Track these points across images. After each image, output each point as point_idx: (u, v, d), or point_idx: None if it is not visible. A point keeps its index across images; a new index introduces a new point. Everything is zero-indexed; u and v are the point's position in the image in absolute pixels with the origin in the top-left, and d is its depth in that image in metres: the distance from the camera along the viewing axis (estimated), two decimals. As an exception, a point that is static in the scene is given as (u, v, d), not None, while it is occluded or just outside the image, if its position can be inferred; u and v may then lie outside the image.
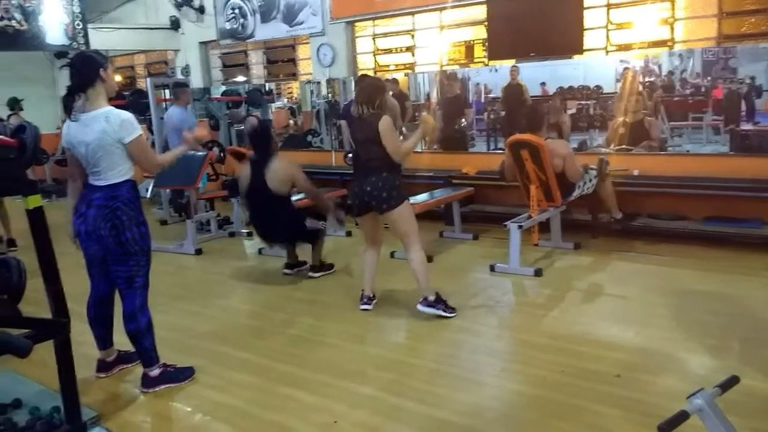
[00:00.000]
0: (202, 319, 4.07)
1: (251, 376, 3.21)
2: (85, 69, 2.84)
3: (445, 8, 7.28)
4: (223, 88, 9.74)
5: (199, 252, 5.87)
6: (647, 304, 3.97)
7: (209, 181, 7.08)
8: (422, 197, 5.58)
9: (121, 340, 3.20)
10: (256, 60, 9.78)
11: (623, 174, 5.57)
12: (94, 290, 3.13)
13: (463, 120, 7.38)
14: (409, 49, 7.97)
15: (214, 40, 9.56)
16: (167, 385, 3.05)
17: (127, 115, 2.84)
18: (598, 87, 7.21)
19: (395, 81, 8.29)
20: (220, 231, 6.61)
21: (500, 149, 7.52)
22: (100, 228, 2.84)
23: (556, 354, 3.28)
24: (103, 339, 3.21)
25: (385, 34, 8.16)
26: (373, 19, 7.95)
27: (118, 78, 11.90)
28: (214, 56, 10.14)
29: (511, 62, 7.03)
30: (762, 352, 3.17)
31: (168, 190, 7.37)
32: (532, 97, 7.34)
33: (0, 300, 2.72)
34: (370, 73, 7.95)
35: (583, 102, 7.31)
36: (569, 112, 7.12)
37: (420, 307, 3.81)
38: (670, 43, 6.16)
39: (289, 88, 10.13)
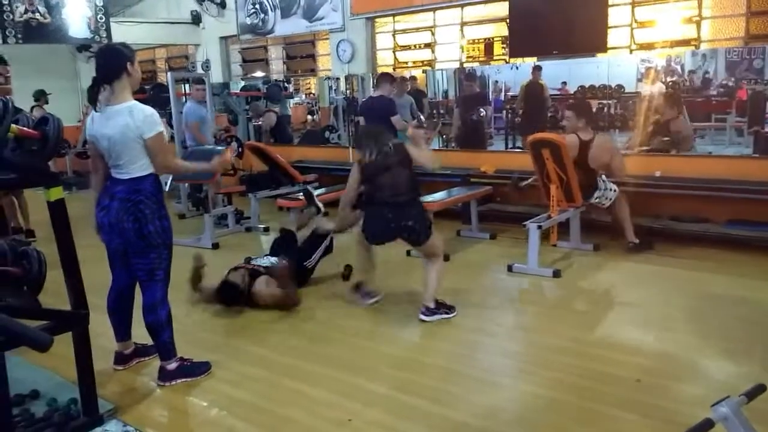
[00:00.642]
0: (217, 313, 4.07)
1: (266, 371, 3.21)
2: (112, 61, 2.86)
3: (466, 4, 7.22)
4: (243, 83, 9.77)
5: (216, 246, 5.89)
6: (668, 307, 3.90)
7: (226, 176, 7.12)
8: (439, 195, 5.55)
9: (139, 333, 3.22)
10: (276, 55, 9.80)
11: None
12: (115, 282, 3.15)
13: (482, 111, 7.27)
14: (429, 45, 7.92)
15: (235, 35, 9.59)
16: (184, 380, 3.06)
17: (150, 111, 2.85)
18: (620, 86, 7.11)
19: (413, 78, 8.25)
20: (237, 226, 6.63)
21: (518, 148, 7.47)
22: (122, 221, 2.85)
23: (574, 357, 3.23)
24: (122, 331, 3.23)
25: (405, 31, 8.12)
26: (394, 15, 7.91)
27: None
28: (234, 51, 10.17)
29: (532, 60, 6.96)
30: (787, 359, 3.10)
31: (186, 185, 7.42)
32: (551, 96, 7.27)
33: (20, 291, 2.75)
34: (389, 70, 7.93)
35: (603, 101, 7.22)
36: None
37: (423, 317, 3.76)
38: (695, 43, 6.05)
39: (307, 83, 10.14)
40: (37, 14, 8.80)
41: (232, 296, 3.89)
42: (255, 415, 2.78)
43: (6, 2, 8.40)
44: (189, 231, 6.47)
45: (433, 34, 7.81)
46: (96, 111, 2.89)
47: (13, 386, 2.52)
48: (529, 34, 6.47)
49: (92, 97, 2.90)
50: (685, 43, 6.09)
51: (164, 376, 3.05)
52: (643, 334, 3.50)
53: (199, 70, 9.77)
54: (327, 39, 8.60)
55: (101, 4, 9.17)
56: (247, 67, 10.17)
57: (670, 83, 6.36)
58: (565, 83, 7.51)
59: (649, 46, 6.32)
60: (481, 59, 7.93)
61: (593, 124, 5.44)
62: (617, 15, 6.18)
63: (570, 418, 2.66)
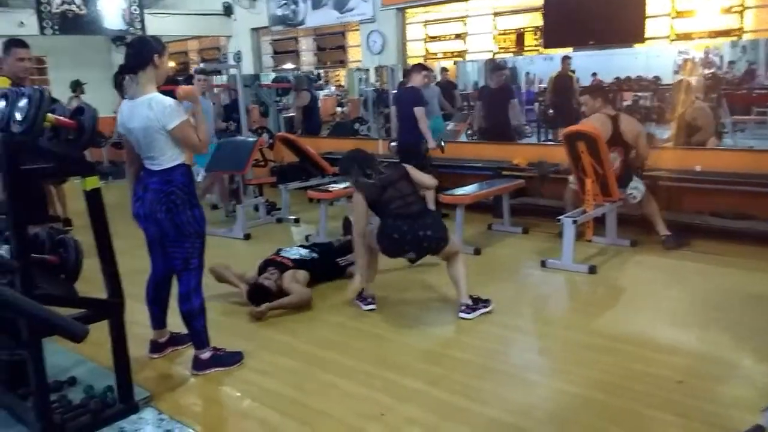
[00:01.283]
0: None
1: (297, 362, 3.21)
2: (140, 51, 2.87)
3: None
4: (273, 75, 9.80)
5: (247, 237, 5.93)
6: (709, 306, 3.79)
7: (257, 167, 7.13)
8: (471, 189, 5.47)
9: (174, 322, 3.25)
10: (306, 47, 9.81)
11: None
12: (153, 271, 3.19)
13: (512, 102, 7.11)
14: (460, 36, 7.83)
15: (266, 27, 9.62)
16: (217, 369, 3.08)
17: (169, 101, 2.83)
18: (657, 78, 6.92)
19: (444, 70, 8.17)
20: (268, 217, 6.66)
21: (550, 141, 7.34)
22: (156, 211, 2.87)
23: (611, 355, 3.16)
24: (158, 319, 3.27)
25: (437, 21, 8.03)
26: (425, 5, 7.83)
27: (171, 64, 12.17)
28: (265, 43, 10.21)
29: (567, 50, 6.81)
30: (836, 363, 2.98)
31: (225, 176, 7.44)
32: (584, 87, 7.11)
33: (58, 280, 2.79)
34: (420, 61, 7.85)
35: (639, 94, 7.05)
36: (625, 103, 6.86)
37: (465, 315, 3.68)
38: (737, 33, 5.85)
39: (336, 75, 10.13)
40: (74, 6, 8.96)
41: (264, 299, 3.88)
42: (287, 406, 2.78)
43: (44, -6, 8.57)
44: (221, 221, 6.53)
45: (464, 24, 7.72)
46: (125, 98, 2.91)
47: (51, 372, 2.57)
48: (564, 23, 6.33)
49: (117, 83, 2.92)
50: (728, 33, 5.89)
51: (198, 365, 3.07)
52: (683, 333, 3.40)
53: (231, 62, 9.83)
54: (357, 30, 8.56)
55: (135, -5, 9.30)
56: (277, 59, 10.21)
57: (709, 75, 6.17)
58: (595, 74, 7.35)
59: (688, 37, 6.14)
60: (512, 50, 7.80)
61: (612, 103, 5.38)
62: (656, 4, 6.02)
63: (605, 418, 2.60)
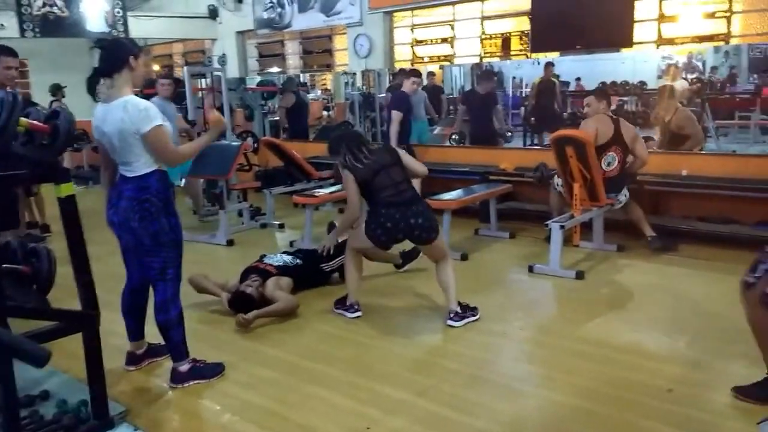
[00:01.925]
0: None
1: (280, 374, 3.11)
2: (114, 53, 2.77)
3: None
4: (258, 78, 9.71)
5: (230, 243, 5.82)
6: (698, 312, 3.75)
7: (241, 171, 7.04)
8: (458, 193, 5.42)
9: (152, 332, 3.14)
10: (293, 50, 9.74)
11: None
12: (129, 281, 3.08)
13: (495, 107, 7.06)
14: (447, 40, 7.80)
15: (252, 30, 9.53)
16: (196, 381, 2.98)
17: (144, 104, 2.72)
18: (642, 83, 6.93)
19: (431, 74, 8.13)
20: (252, 222, 6.56)
21: (536, 145, 7.33)
22: (129, 219, 2.77)
23: (600, 363, 3.11)
24: (135, 331, 3.15)
25: (425, 25, 8.00)
26: (413, 9, 7.79)
27: (156, 67, 12.01)
28: (251, 46, 10.11)
29: (554, 55, 6.80)
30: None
31: (201, 180, 7.34)
32: (570, 92, 7.12)
33: (29, 290, 2.68)
34: (407, 65, 7.81)
35: (624, 98, 7.06)
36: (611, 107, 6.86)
37: (452, 323, 3.61)
38: (724, 38, 5.86)
39: (323, 79, 10.05)
40: (55, 8, 8.81)
41: (246, 307, 3.78)
42: (269, 420, 2.68)
43: (24, -4, 8.42)
44: (203, 227, 6.42)
45: (452, 28, 7.69)
46: (98, 101, 2.81)
47: (22, 386, 2.46)
48: (552, 28, 6.31)
49: (90, 87, 2.82)
50: (714, 38, 5.91)
51: (177, 378, 2.97)
52: (673, 340, 3.36)
53: (216, 65, 9.72)
54: (344, 34, 8.51)
55: (118, -2, 9.17)
56: (263, 62, 10.12)
57: (694, 80, 6.19)
58: (578, 79, 7.35)
59: (674, 42, 6.15)
60: (497, 55, 7.78)
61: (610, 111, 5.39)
62: (644, 9, 6.02)
63: (599, 429, 2.54)
